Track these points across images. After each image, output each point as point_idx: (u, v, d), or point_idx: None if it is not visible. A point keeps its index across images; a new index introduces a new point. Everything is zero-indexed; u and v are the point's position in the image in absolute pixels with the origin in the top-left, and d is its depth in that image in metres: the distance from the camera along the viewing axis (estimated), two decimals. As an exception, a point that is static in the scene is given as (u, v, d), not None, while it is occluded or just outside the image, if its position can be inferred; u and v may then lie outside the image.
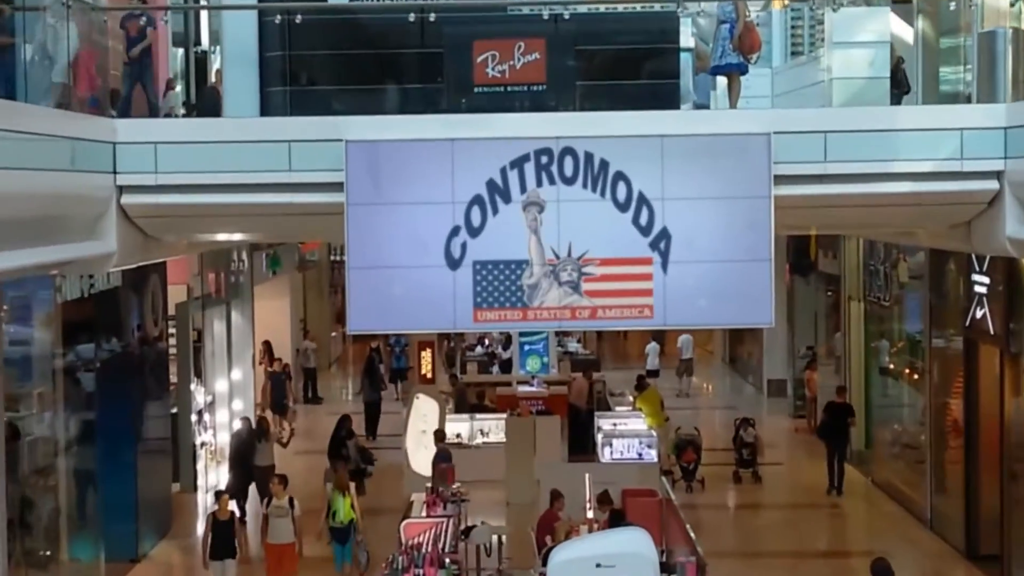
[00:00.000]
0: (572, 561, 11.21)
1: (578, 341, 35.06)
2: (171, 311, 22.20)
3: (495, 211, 12.43)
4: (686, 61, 14.87)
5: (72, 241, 12.06)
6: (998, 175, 12.59)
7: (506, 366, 31.21)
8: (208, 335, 25.00)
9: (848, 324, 25.40)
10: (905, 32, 15.80)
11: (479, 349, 33.67)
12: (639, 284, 12.51)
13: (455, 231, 12.45)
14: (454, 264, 12.45)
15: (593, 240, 12.43)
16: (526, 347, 29.24)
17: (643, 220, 12.42)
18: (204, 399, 24.44)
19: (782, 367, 31.73)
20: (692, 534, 15.43)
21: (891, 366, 23.24)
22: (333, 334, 40.09)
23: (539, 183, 12.40)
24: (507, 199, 12.43)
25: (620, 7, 14.77)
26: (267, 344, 29.62)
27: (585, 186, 12.39)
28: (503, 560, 17.87)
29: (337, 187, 12.44)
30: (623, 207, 12.40)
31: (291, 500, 17.09)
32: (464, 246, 12.45)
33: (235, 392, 26.62)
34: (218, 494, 17.60)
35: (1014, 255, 13.37)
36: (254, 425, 22.13)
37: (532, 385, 26.94)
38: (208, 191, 12.68)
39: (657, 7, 15.00)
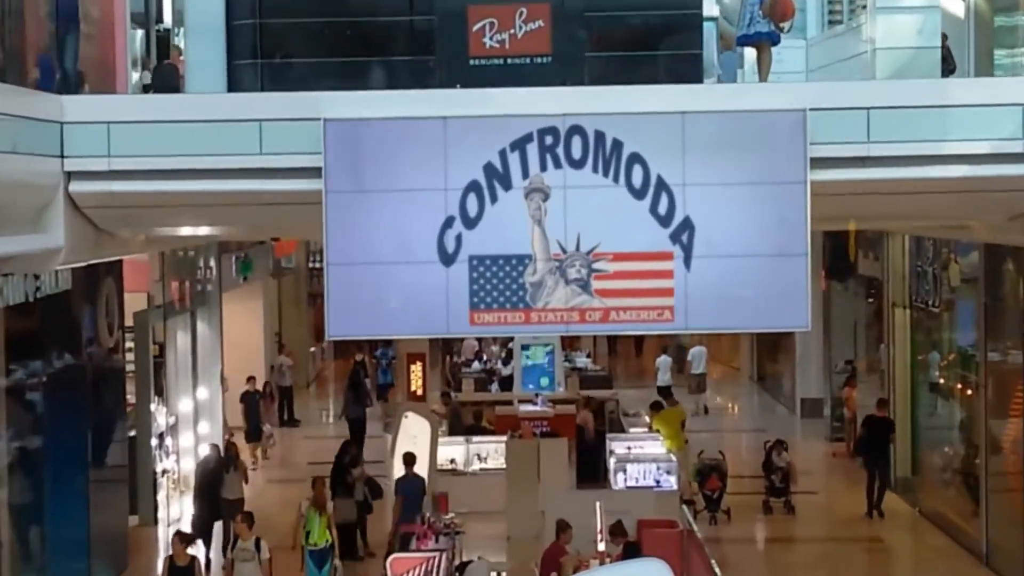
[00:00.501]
0: (582, 596, 11.00)
1: (588, 356, 34.81)
2: (129, 321, 21.99)
3: (494, 199, 12.24)
4: (709, 31, 14.66)
5: (13, 234, 11.83)
6: (1065, 157, 12.43)
7: (506, 384, 30.91)
8: (171, 349, 24.79)
9: (892, 334, 25.13)
10: (954, 5, 15.68)
11: (476, 365, 33.34)
12: (658, 282, 12.31)
13: (448, 222, 12.26)
14: (448, 260, 12.26)
15: (605, 232, 12.24)
16: (529, 362, 28.97)
17: (662, 209, 12.22)
18: (166, 421, 24.19)
19: (817, 384, 31.43)
20: (717, 571, 15.20)
21: (941, 381, 22.99)
22: (312, 349, 39.87)
23: (543, 167, 12.20)
24: (507, 185, 12.23)
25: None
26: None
27: (596, 170, 12.19)
28: (503, 604, 17.71)
29: (315, 173, 12.25)
30: (639, 194, 12.21)
31: (258, 541, 16.54)
32: (459, 239, 12.26)
33: (201, 413, 26.36)
34: (177, 536, 16.99)
35: (1083, 248, 13.19)
36: (222, 452, 21.75)
37: (536, 404, 26.67)
38: (168, 177, 12.47)
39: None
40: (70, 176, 12.42)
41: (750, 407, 35.49)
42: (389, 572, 15.67)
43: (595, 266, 12.24)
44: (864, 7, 15.91)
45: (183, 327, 25.58)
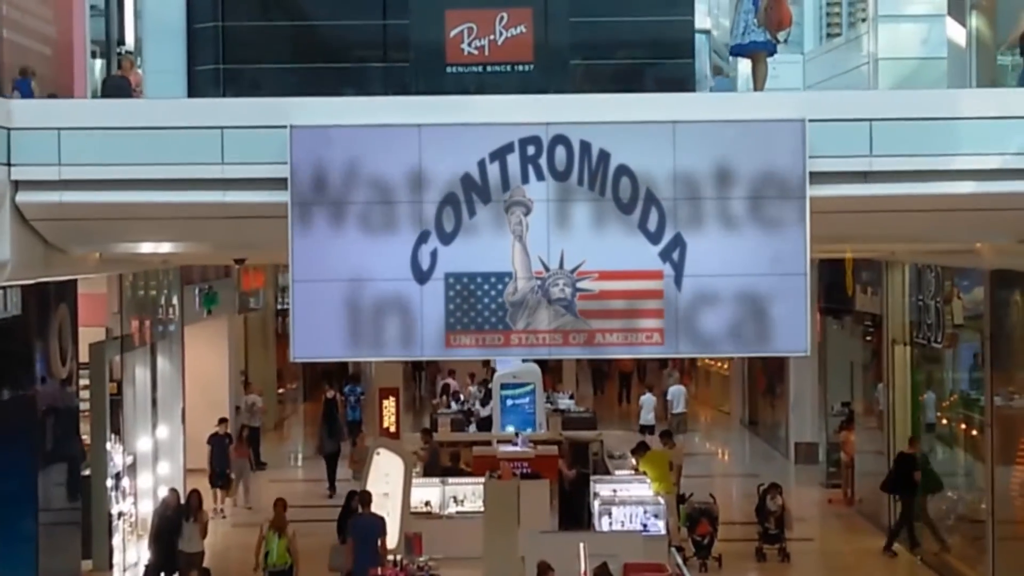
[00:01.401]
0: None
1: (570, 397, 34.46)
2: (84, 354, 21.58)
3: (472, 213, 11.95)
4: (702, 43, 14.40)
5: (-48, 244, 11.56)
6: (1079, 173, 12.19)
7: (484, 425, 30.54)
8: (128, 384, 24.33)
9: (892, 373, 24.82)
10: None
11: (454, 406, 32.96)
12: (646, 303, 12.03)
13: (423, 237, 11.98)
14: (422, 277, 11.97)
15: (590, 249, 11.97)
16: (508, 402, 28.62)
17: (651, 224, 11.95)
18: (123, 460, 23.72)
19: (812, 429, 31.06)
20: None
21: (943, 421, 22.68)
22: (280, 391, 39.46)
23: (525, 179, 11.93)
24: (486, 198, 11.95)
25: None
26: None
27: (581, 182, 11.92)
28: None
29: (280, 184, 11.97)
30: (627, 208, 11.94)
31: None
32: (434, 255, 11.98)
33: (161, 453, 25.93)
34: None
35: (1099, 268, 12.92)
36: (182, 499, 21.03)
37: (516, 444, 26.28)
38: (123, 188, 12.19)
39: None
40: (17, 185, 12.10)
41: (741, 452, 35.11)
42: (358, 618, 15.26)
43: (580, 285, 11.95)
44: (864, 19, 15.68)
45: (142, 362, 25.15)
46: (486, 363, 34.84)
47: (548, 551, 17.27)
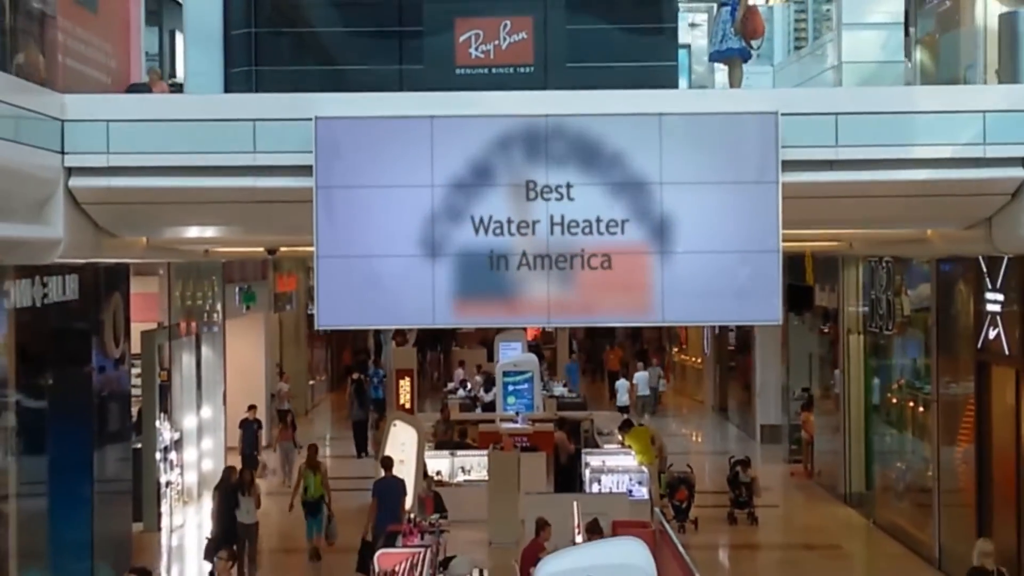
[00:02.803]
0: (560, 573, 10.11)
1: (563, 385, 34.08)
2: (136, 341, 21.15)
3: (478, 195, 11.45)
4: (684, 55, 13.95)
5: (15, 222, 11.06)
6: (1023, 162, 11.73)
7: (488, 408, 30.15)
8: (176, 369, 23.93)
9: (847, 359, 24.40)
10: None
11: (461, 392, 32.66)
12: (637, 276, 11.52)
13: (435, 217, 11.47)
14: (433, 253, 11.46)
15: (586, 228, 11.45)
16: (509, 387, 28.20)
17: (641, 206, 11.45)
18: (171, 436, 23.29)
19: (776, 412, 30.65)
20: (689, 560, 14.33)
21: (894, 400, 22.20)
22: (311, 382, 39.00)
23: (527, 164, 11.42)
24: (491, 182, 11.45)
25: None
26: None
27: (577, 168, 11.43)
28: (485, 596, 16.82)
29: (306, 170, 11.48)
30: (619, 191, 11.43)
31: None
32: (444, 233, 11.47)
33: (204, 431, 25.51)
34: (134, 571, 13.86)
35: (1042, 249, 12.44)
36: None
37: (517, 422, 25.87)
38: (164, 174, 11.70)
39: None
40: (70, 172, 11.64)
41: (714, 434, 34.62)
42: (377, 567, 14.74)
43: (577, 260, 11.45)
44: (828, 30, 15.26)
45: (188, 350, 24.75)
46: (490, 359, 34.62)
47: (545, 510, 16.81)
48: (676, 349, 43.21)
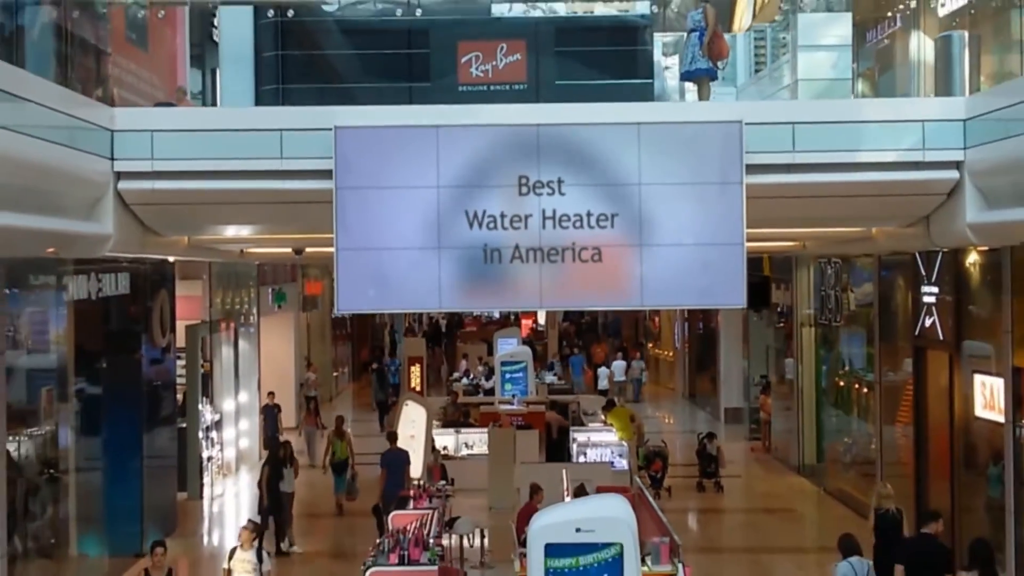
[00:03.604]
0: (552, 525, 9.85)
1: (554, 374, 33.78)
2: (181, 335, 20.89)
3: (480, 195, 11.18)
4: (659, 66, 13.69)
5: (71, 219, 10.80)
6: (958, 165, 11.50)
7: (489, 394, 29.83)
8: (216, 358, 23.65)
9: (800, 349, 24.13)
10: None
11: (464, 381, 32.35)
12: (619, 266, 11.25)
13: (440, 214, 11.19)
14: (439, 245, 11.18)
15: (575, 223, 11.17)
16: (507, 375, 27.93)
17: (621, 204, 11.18)
18: (211, 417, 22.99)
19: (738, 396, 30.37)
20: (666, 522, 14.03)
21: (841, 384, 21.93)
22: (335, 374, 38.65)
23: (521, 167, 11.15)
24: (490, 183, 11.18)
25: (598, 12, 13.63)
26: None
27: (566, 171, 11.15)
28: (485, 553, 16.53)
29: (326, 174, 11.22)
30: (602, 191, 11.16)
31: (259, 552, 12.73)
32: (450, 229, 11.19)
33: (240, 413, 25.21)
34: (154, 544, 12.89)
35: (974, 242, 12.19)
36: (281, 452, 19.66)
37: (513, 404, 25.60)
38: (202, 177, 11.44)
39: (634, 12, 13.84)
40: (119, 176, 11.38)
41: (684, 416, 34.22)
42: (390, 525, 14.47)
43: (567, 252, 11.17)
44: (784, 55, 15.01)
45: (227, 343, 24.45)
46: (490, 353, 34.34)
47: (538, 478, 16.54)
48: (651, 344, 42.89)
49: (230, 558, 12.80)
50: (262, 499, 18.26)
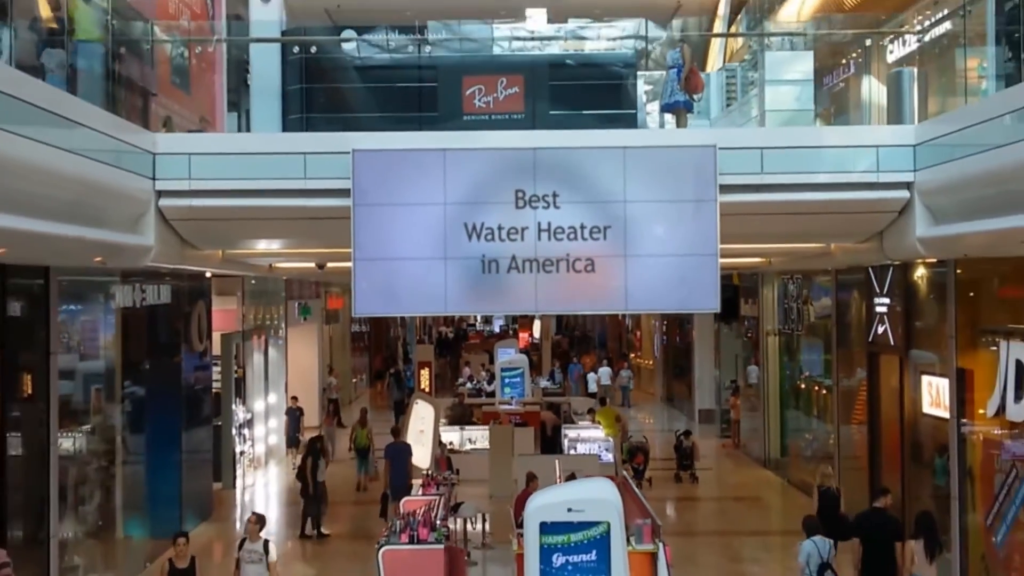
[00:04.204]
0: (546, 505, 9.63)
1: (548, 380, 33.49)
2: (217, 344, 20.68)
3: (482, 211, 11.01)
4: (642, 99, 13.51)
5: (117, 231, 10.62)
6: (908, 185, 11.35)
7: (490, 396, 29.53)
8: (249, 365, 23.43)
9: (766, 356, 23.89)
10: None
11: (468, 385, 32.04)
12: (607, 274, 11.09)
13: (446, 228, 11.02)
14: (445, 256, 11.00)
15: (568, 236, 11.01)
16: (506, 380, 27.68)
17: (608, 219, 11.02)
18: (244, 416, 22.73)
19: (710, 399, 30.07)
20: (647, 505, 13.78)
21: (803, 387, 21.69)
22: (354, 380, 38.36)
23: (519, 187, 10.98)
24: (491, 200, 11.01)
25: (588, 50, 13.48)
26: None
27: (559, 190, 10.99)
28: (487, 535, 16.27)
29: (345, 193, 11.07)
30: (592, 207, 11.00)
31: (266, 544, 12.09)
32: (455, 241, 11.01)
33: (270, 412, 24.95)
34: (176, 535, 12.12)
35: (923, 255, 11.98)
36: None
37: (512, 405, 25.32)
38: (235, 196, 11.29)
39: (620, 51, 13.70)
40: (160, 194, 11.22)
41: (662, 417, 33.91)
42: (402, 509, 14.21)
43: (560, 262, 11.00)
44: (753, 90, 14.85)
45: (258, 350, 24.22)
46: (491, 362, 34.08)
47: (534, 468, 16.29)
48: (633, 355, 42.61)
49: (239, 548, 12.19)
50: (306, 487, 17.89)
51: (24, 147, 8.09)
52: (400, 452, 17.70)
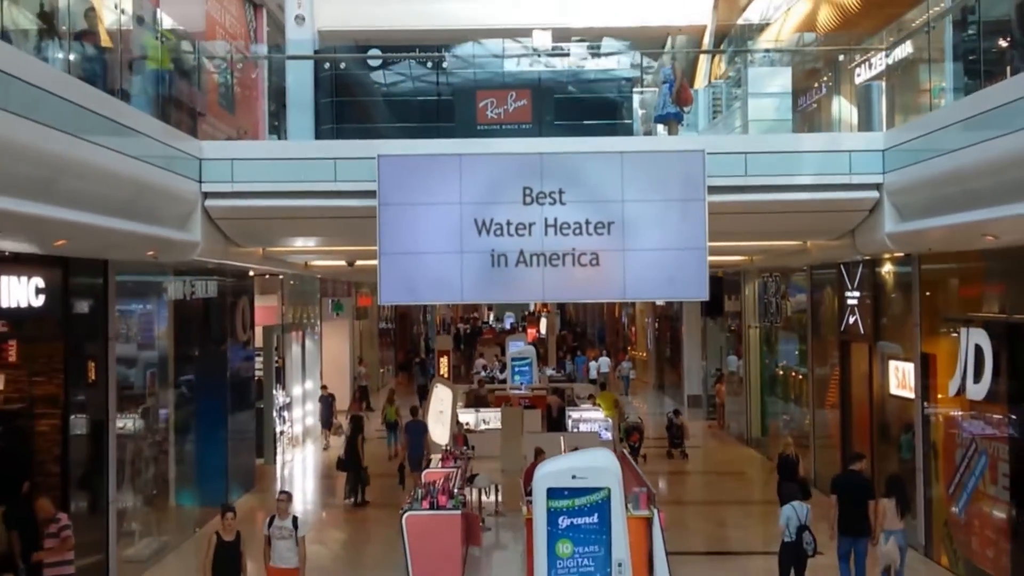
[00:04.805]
0: (553, 473, 9.40)
1: (554, 369, 33.24)
2: (259, 335, 20.49)
3: (495, 210, 10.80)
4: (637, 112, 13.28)
5: (167, 227, 10.44)
6: (878, 186, 11.11)
7: (502, 383, 29.29)
8: (288, 355, 23.23)
9: (748, 347, 23.60)
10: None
11: (483, 374, 31.80)
12: (607, 266, 10.88)
13: (462, 225, 10.81)
14: (461, 250, 10.79)
15: (572, 230, 10.80)
16: (516, 368, 27.45)
17: (608, 216, 10.81)
18: (283, 400, 22.54)
19: (698, 385, 29.71)
20: (644, 477, 13.53)
21: (781, 373, 21.40)
22: (381, 370, 38.11)
23: (527, 188, 10.78)
24: (504, 200, 10.80)
25: (588, 67, 13.28)
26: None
27: (564, 190, 10.78)
28: (499, 504, 16.05)
29: (371, 194, 10.87)
30: (593, 206, 10.79)
31: (295, 520, 10.90)
32: (469, 236, 10.80)
33: (307, 397, 24.74)
34: (224, 509, 10.71)
35: (892, 249, 11.73)
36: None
37: (521, 390, 25.09)
38: (272, 197, 11.13)
39: (618, 70, 13.50)
40: (206, 195, 11.04)
41: (655, 402, 33.61)
42: (423, 479, 13.99)
43: (566, 255, 10.79)
44: (736, 104, 14.61)
45: (296, 342, 24.02)
46: (503, 354, 33.84)
47: (540, 443, 16.07)
48: (630, 348, 42.31)
49: (269, 526, 10.90)
50: (357, 460, 17.60)
51: (86, 150, 7.93)
52: (417, 428, 17.52)
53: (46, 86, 7.13)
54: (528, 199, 10.59)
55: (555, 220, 10.64)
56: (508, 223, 10.68)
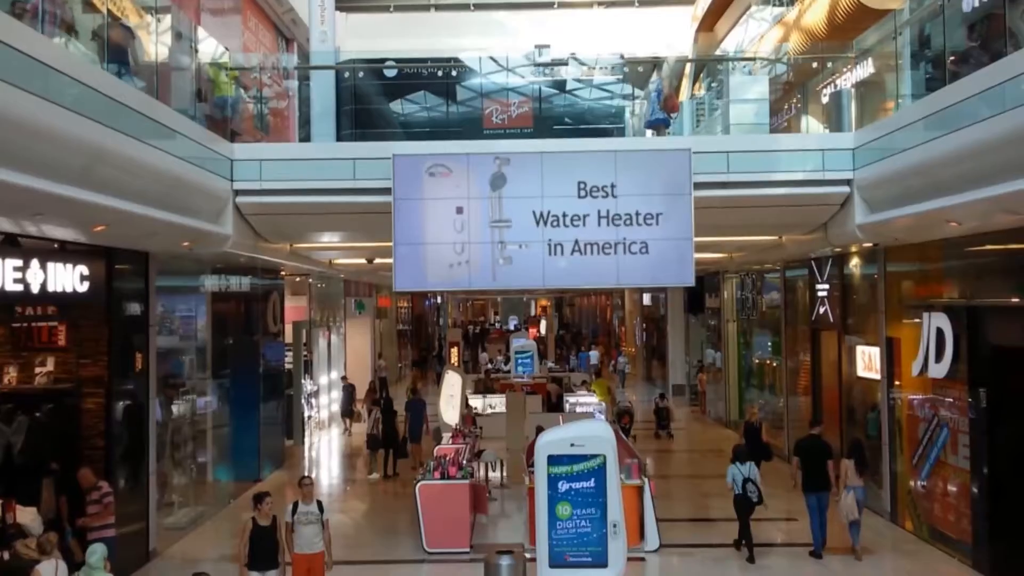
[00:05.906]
0: (553, 441, 9.02)
1: (554, 361, 32.80)
2: (289, 332, 20.12)
3: (501, 203, 10.44)
4: (628, 120, 12.93)
5: (202, 221, 10.09)
6: (848, 182, 10.73)
7: (507, 373, 28.86)
8: (315, 348, 22.86)
9: (727, 339, 23.18)
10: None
11: (489, 365, 31.37)
12: (603, 255, 10.48)
13: (470, 218, 10.45)
14: (470, 241, 10.42)
15: (571, 222, 10.43)
16: (519, 360, 27.03)
17: (604, 209, 10.44)
18: (311, 388, 22.16)
19: (681, 375, 29.27)
20: (634, 448, 13.13)
21: (757, 362, 20.98)
22: (400, 365, 37.66)
23: (530, 183, 10.41)
24: (509, 195, 10.44)
25: (583, 77, 12.92)
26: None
27: (563, 186, 10.42)
28: (504, 478, 15.63)
29: (387, 191, 10.52)
30: (591, 200, 10.42)
31: (320, 504, 9.59)
32: (478, 228, 10.43)
33: (332, 386, 24.35)
34: (257, 497, 9.35)
35: (862, 240, 11.35)
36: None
37: (523, 378, 24.67)
38: (297, 194, 10.80)
39: (612, 80, 13.15)
40: (236, 192, 10.69)
41: (643, 391, 33.13)
42: (436, 454, 13.59)
43: (565, 245, 10.42)
44: (718, 111, 14.26)
45: (323, 337, 23.65)
46: (507, 350, 33.40)
47: (541, 422, 15.64)
48: (621, 344, 41.86)
49: (293, 512, 9.53)
50: (395, 436, 17.17)
51: (133, 147, 7.61)
52: (417, 406, 17.19)
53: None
54: (529, 201, 10.23)
55: (558, 214, 10.30)
56: (514, 215, 10.31)
